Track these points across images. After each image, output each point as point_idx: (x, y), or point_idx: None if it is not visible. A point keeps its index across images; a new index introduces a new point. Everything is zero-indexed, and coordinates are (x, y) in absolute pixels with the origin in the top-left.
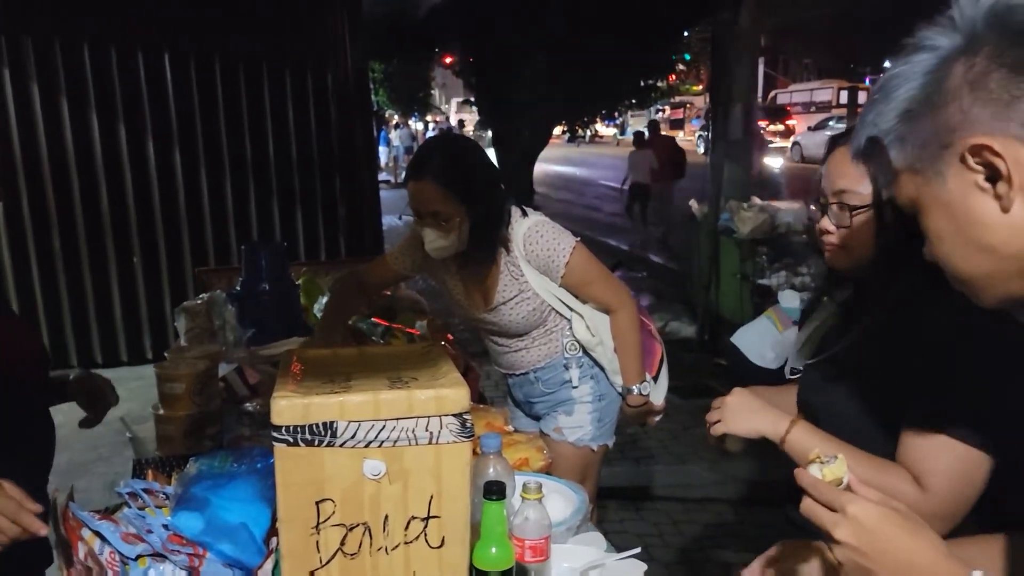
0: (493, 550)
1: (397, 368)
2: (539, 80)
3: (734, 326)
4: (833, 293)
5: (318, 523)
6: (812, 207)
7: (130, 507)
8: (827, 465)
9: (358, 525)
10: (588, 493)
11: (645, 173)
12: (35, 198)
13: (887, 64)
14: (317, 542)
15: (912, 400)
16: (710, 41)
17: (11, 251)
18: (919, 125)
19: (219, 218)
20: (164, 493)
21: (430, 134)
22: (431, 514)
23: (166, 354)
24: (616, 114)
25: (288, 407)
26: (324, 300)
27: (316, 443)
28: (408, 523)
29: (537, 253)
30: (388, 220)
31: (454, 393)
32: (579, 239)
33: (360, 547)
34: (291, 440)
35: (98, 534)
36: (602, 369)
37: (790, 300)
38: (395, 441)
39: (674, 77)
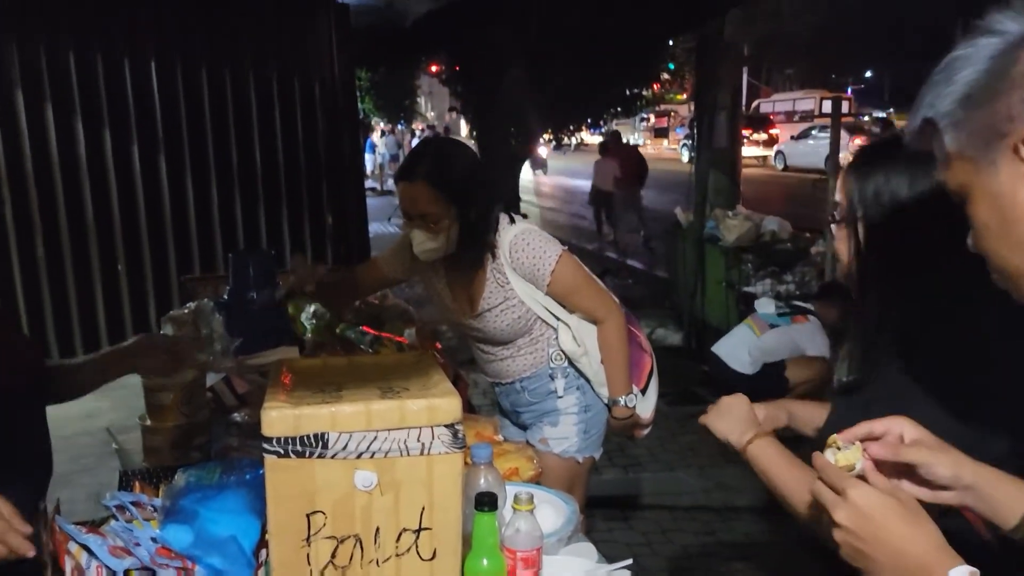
0: (485, 562)
1: (388, 378)
2: (525, 88)
3: (720, 333)
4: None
5: (309, 535)
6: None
7: (117, 520)
8: (842, 451)
9: (349, 537)
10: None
11: (609, 181)
12: (19, 204)
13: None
14: (308, 555)
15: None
16: (694, 51)
17: None
18: (978, 111)
19: (205, 225)
20: (152, 505)
21: (415, 142)
22: (423, 526)
23: None
24: (602, 122)
25: (279, 418)
26: (312, 309)
27: (307, 454)
28: (400, 535)
29: (523, 261)
30: (374, 227)
31: (446, 403)
32: (566, 247)
33: (351, 560)
34: (282, 452)
35: (85, 548)
36: (587, 380)
37: (766, 307)
38: (387, 452)
39: (658, 86)
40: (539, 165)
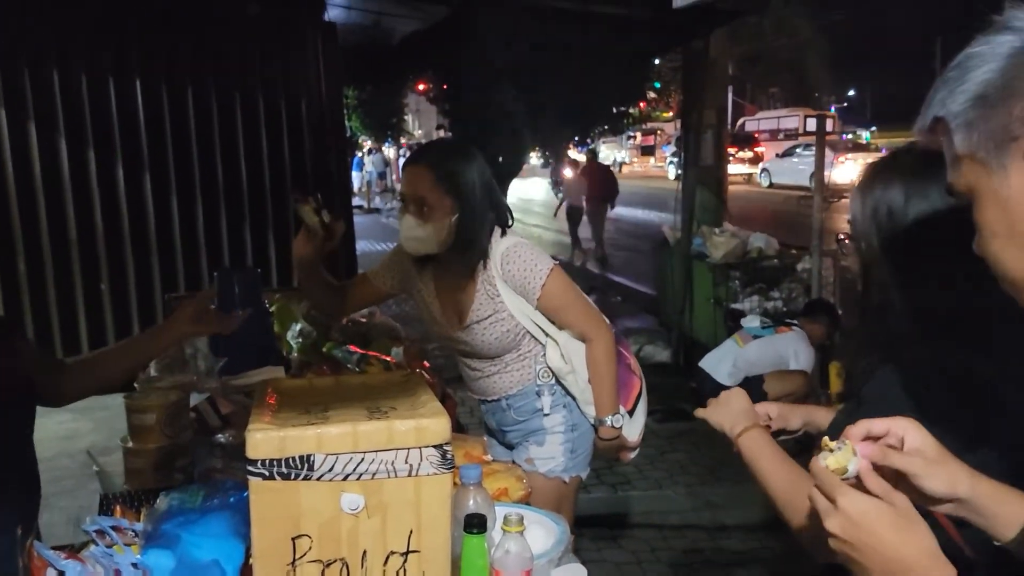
0: None
1: (375, 398)
2: (512, 107)
3: (708, 350)
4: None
5: (294, 559)
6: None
7: (97, 545)
8: (833, 453)
9: (335, 561)
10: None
11: (580, 197)
12: (0, 223)
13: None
14: None
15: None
16: (680, 69)
17: None
18: (991, 112)
19: (190, 244)
20: (133, 530)
21: (403, 161)
22: (411, 549)
23: (136, 384)
24: (589, 140)
25: (264, 440)
26: (298, 327)
27: (292, 477)
28: (387, 558)
29: (514, 273)
30: (362, 245)
31: (435, 423)
32: (557, 262)
33: None
34: (266, 474)
35: (63, 574)
36: (574, 399)
37: (751, 322)
38: (374, 474)
39: (645, 104)
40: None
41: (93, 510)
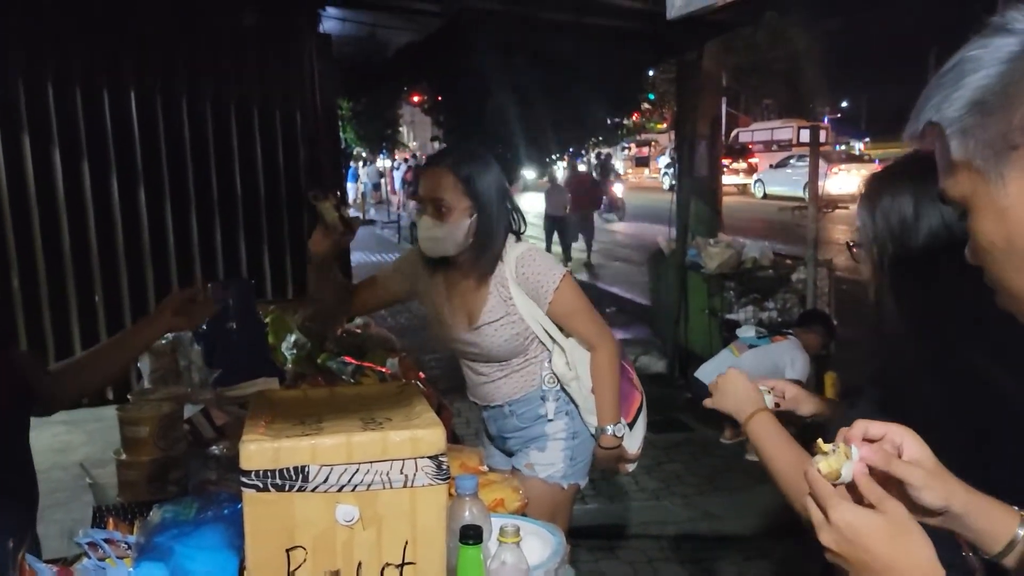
0: None
1: (370, 409)
2: (507, 118)
3: (703, 360)
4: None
5: (289, 571)
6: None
7: (90, 558)
8: (826, 457)
9: (330, 573)
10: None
11: (561, 207)
12: None
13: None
14: None
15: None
16: (675, 81)
17: None
18: (989, 120)
19: (184, 256)
20: (126, 543)
21: (398, 172)
22: (406, 560)
23: (129, 396)
24: (584, 151)
25: (258, 451)
26: (292, 338)
27: (287, 488)
28: (382, 570)
29: (528, 276)
30: (356, 257)
31: (430, 434)
32: (568, 270)
33: None
34: (260, 485)
35: None
36: (576, 407)
37: (746, 332)
38: (369, 485)
39: (639, 115)
40: (615, 208)
41: (86, 523)
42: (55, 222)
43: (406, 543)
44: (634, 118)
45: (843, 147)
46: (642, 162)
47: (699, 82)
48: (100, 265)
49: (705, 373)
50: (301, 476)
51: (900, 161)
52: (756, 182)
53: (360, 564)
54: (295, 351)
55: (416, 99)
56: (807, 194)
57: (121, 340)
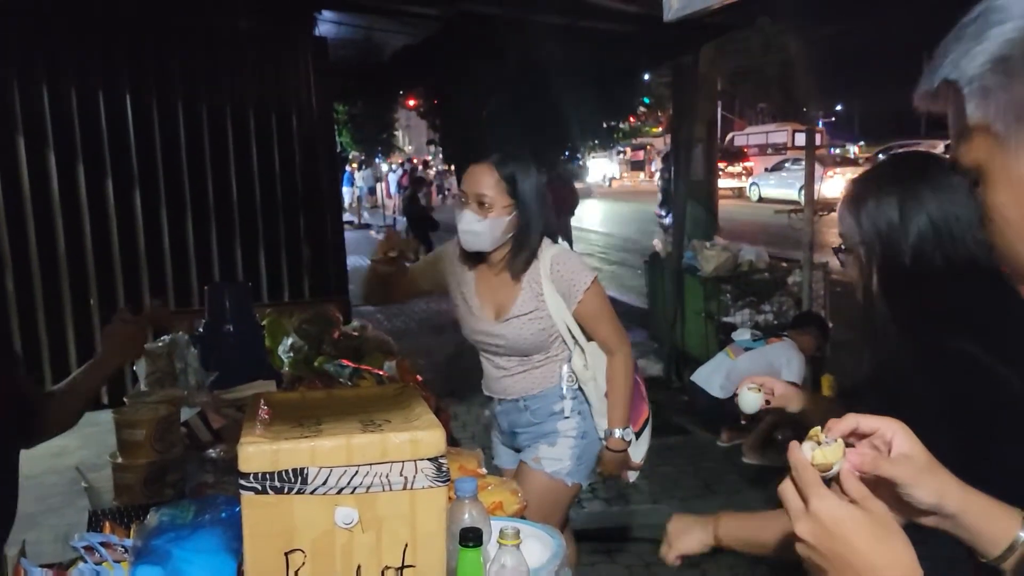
0: None
1: (369, 411)
2: (503, 122)
3: (700, 363)
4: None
5: (287, 575)
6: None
7: (86, 562)
8: (821, 447)
9: None
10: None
11: None
12: None
13: (839, 107)
14: None
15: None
16: (670, 85)
17: None
18: (1013, 79)
19: (180, 259)
20: (123, 546)
21: (392, 176)
22: (406, 563)
23: (125, 399)
24: (579, 155)
25: (256, 453)
26: (289, 341)
27: (286, 491)
28: (382, 573)
29: (562, 274)
30: (352, 260)
31: (429, 436)
32: (596, 275)
33: None
34: (259, 488)
35: None
36: (589, 407)
37: (742, 335)
38: (368, 487)
39: (634, 119)
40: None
41: (82, 527)
42: (50, 225)
43: (406, 546)
44: (630, 122)
45: (838, 150)
46: (637, 166)
47: (695, 86)
48: (95, 268)
49: (702, 376)
50: (300, 478)
51: (880, 164)
52: (751, 185)
53: (359, 567)
54: (292, 354)
55: (412, 103)
56: (802, 197)
57: (77, 385)
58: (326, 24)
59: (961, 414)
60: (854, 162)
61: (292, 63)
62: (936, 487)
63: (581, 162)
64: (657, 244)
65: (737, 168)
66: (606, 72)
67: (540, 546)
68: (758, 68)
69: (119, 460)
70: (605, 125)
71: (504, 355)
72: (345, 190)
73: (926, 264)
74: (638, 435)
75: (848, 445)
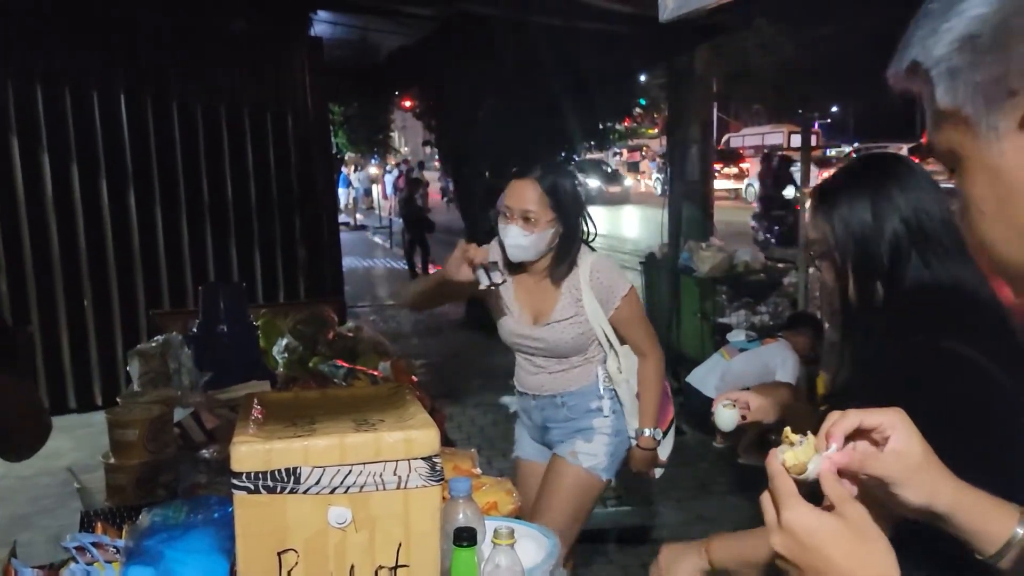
0: None
1: (363, 410)
2: (499, 123)
3: (696, 364)
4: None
5: (280, 575)
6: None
7: (77, 562)
8: (792, 448)
9: None
10: (579, 524)
11: None
12: None
13: (834, 109)
14: None
15: None
16: (665, 87)
17: None
18: (983, 59)
19: (175, 260)
20: (115, 547)
21: (388, 177)
22: (399, 563)
23: (118, 399)
24: (575, 156)
25: (249, 453)
26: (284, 342)
27: (278, 490)
28: (376, 573)
29: (602, 281)
30: (348, 262)
31: (423, 435)
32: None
33: None
34: (252, 487)
35: None
36: (622, 407)
37: (737, 336)
38: (362, 487)
39: (630, 120)
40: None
41: (74, 528)
42: (44, 226)
43: (399, 545)
44: (626, 123)
45: (833, 151)
46: (633, 167)
47: (690, 87)
48: (89, 269)
49: (697, 377)
50: (293, 478)
51: (847, 167)
52: (747, 186)
53: (353, 567)
54: (286, 354)
55: (408, 104)
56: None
57: None
58: (322, 24)
59: (957, 414)
60: None
61: (287, 63)
62: (926, 487)
63: (609, 168)
64: (654, 245)
65: (733, 169)
66: (602, 73)
67: (534, 546)
68: (754, 69)
69: (111, 461)
70: (601, 126)
71: (542, 356)
72: (341, 191)
73: (903, 264)
74: (664, 434)
75: (848, 440)
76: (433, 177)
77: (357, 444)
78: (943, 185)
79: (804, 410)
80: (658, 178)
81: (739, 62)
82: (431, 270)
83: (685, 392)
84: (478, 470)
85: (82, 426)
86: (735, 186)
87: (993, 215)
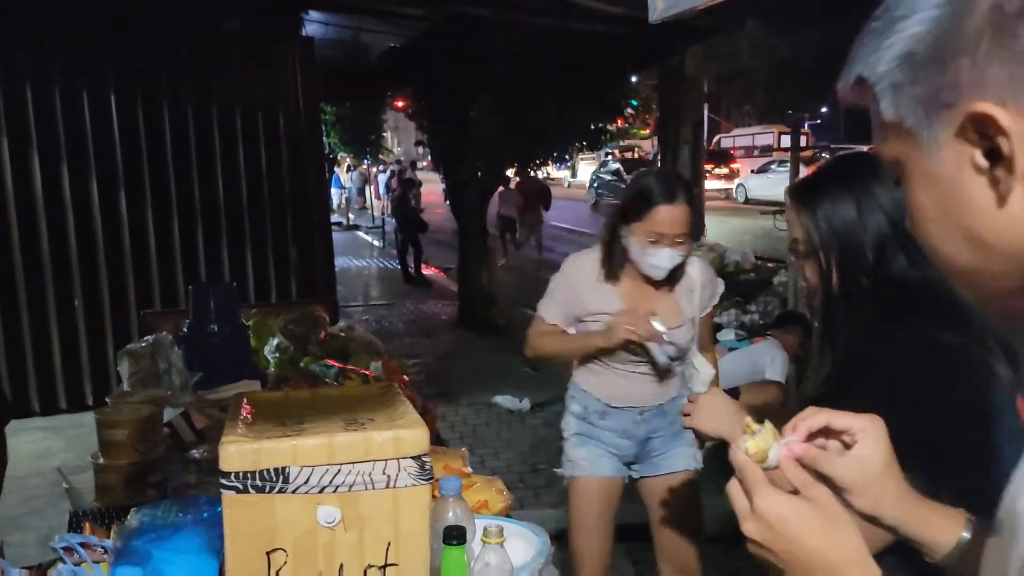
0: None
1: (353, 409)
2: (491, 123)
3: None
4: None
5: (269, 574)
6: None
7: (65, 563)
8: (754, 437)
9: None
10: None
11: (512, 208)
12: None
13: (824, 110)
14: None
15: None
16: (657, 87)
17: None
18: (921, 74)
19: (166, 260)
20: (103, 547)
21: (382, 177)
22: (389, 562)
23: (107, 399)
24: (567, 156)
25: (237, 452)
26: (275, 342)
27: (267, 490)
28: (365, 572)
29: (705, 284)
30: (340, 262)
31: (413, 434)
32: None
33: None
34: (240, 487)
35: None
36: None
37: (726, 335)
38: (351, 486)
39: (622, 121)
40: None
41: (63, 529)
42: (34, 225)
43: (389, 544)
44: (617, 123)
45: (823, 152)
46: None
47: (682, 88)
48: (80, 269)
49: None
50: (281, 477)
51: (827, 166)
52: (737, 187)
53: (342, 566)
54: (278, 354)
55: (400, 104)
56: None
57: None
58: (313, 24)
59: (954, 405)
60: None
61: (279, 63)
62: (874, 496)
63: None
64: None
65: (724, 170)
66: (593, 74)
67: (525, 544)
68: (744, 70)
69: (101, 461)
70: (593, 127)
71: (653, 363)
72: (333, 191)
73: (889, 260)
74: None
75: (812, 437)
76: (435, 177)
77: (346, 443)
78: None
79: (788, 414)
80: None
81: (730, 63)
82: (424, 270)
83: None
84: (469, 469)
85: (72, 426)
86: (726, 186)
87: (934, 218)
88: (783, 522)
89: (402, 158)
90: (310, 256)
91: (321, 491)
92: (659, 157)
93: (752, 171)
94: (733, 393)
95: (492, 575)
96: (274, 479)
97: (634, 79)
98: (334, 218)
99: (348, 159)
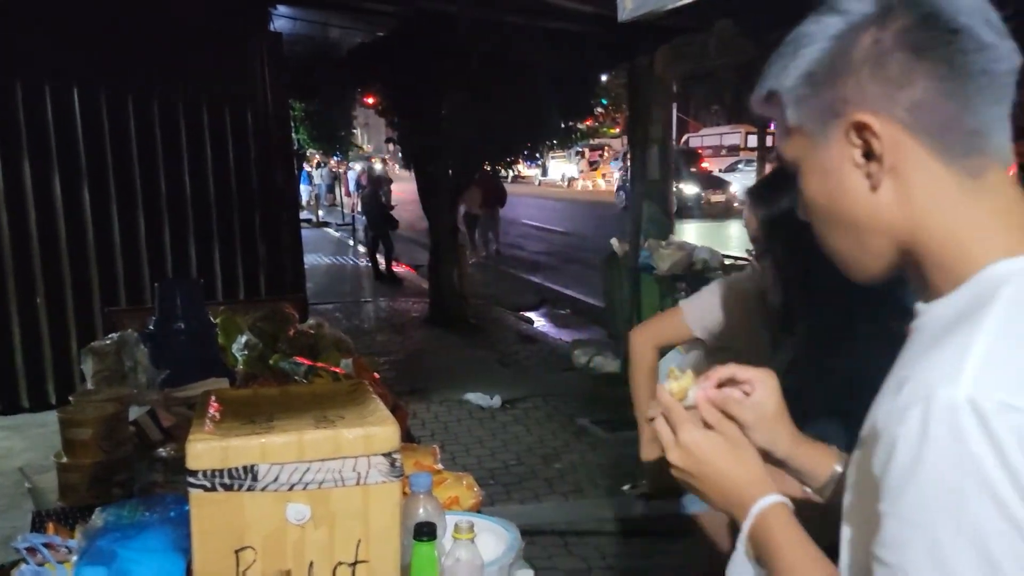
0: None
1: (323, 407)
2: (463, 121)
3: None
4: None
5: (238, 573)
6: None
7: (28, 563)
8: (678, 380)
9: (281, 573)
10: None
11: (476, 205)
12: None
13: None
14: None
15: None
16: (627, 86)
17: None
18: (819, 89)
19: (131, 257)
20: (67, 547)
21: (352, 172)
22: (359, 559)
23: (71, 398)
24: (538, 155)
25: (205, 450)
26: (243, 339)
27: (235, 488)
28: (335, 569)
29: None
30: (309, 259)
31: (383, 431)
32: None
33: None
34: (208, 485)
35: None
36: None
37: None
38: (320, 483)
39: (592, 120)
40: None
41: (27, 529)
42: None
43: (359, 541)
44: (587, 122)
45: None
46: (595, 166)
47: (651, 87)
48: (42, 266)
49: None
50: (250, 475)
51: (780, 166)
52: None
53: (312, 563)
54: (246, 352)
55: (370, 101)
56: None
57: None
58: (281, 19)
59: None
60: None
61: (247, 58)
62: (769, 435)
63: (541, 161)
64: (614, 243)
65: (692, 169)
66: (564, 72)
67: (495, 539)
68: (712, 70)
69: (64, 460)
70: (563, 125)
71: None
72: (303, 188)
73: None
74: None
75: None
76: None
77: (316, 441)
78: None
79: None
80: (622, 179)
81: (699, 63)
82: (395, 268)
83: None
84: (439, 465)
85: (35, 425)
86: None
87: (822, 207)
88: (700, 449)
89: (373, 154)
90: (279, 253)
91: (291, 489)
92: (628, 156)
93: (720, 170)
94: None
95: (463, 571)
96: (243, 477)
97: (604, 78)
98: (303, 215)
99: (317, 155)
